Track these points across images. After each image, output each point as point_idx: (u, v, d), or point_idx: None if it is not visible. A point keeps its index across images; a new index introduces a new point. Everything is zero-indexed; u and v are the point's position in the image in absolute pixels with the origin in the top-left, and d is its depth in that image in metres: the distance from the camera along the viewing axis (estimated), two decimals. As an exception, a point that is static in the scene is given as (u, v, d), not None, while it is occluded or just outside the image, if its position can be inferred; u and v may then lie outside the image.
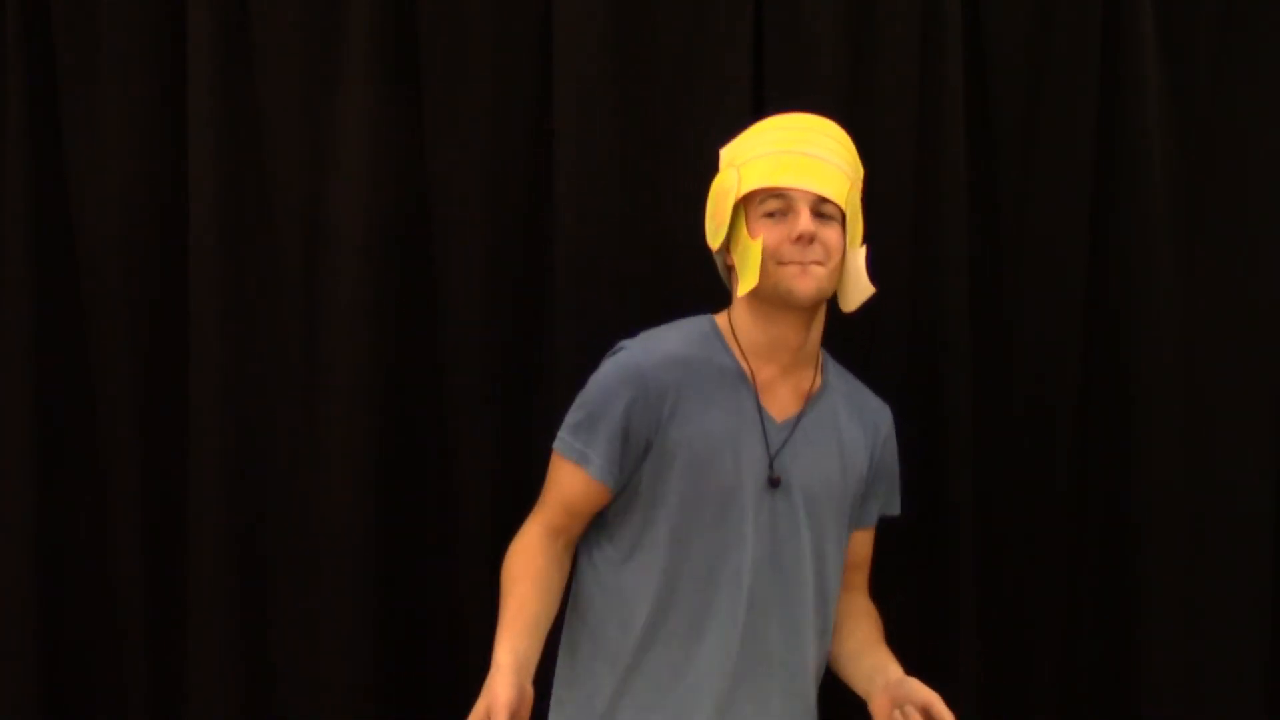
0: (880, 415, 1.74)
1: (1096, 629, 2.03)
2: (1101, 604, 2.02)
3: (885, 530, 1.96)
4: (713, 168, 1.91)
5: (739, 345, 1.62)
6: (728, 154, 1.65)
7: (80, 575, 1.99)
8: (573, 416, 1.61)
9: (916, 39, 1.94)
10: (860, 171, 1.66)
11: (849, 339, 1.95)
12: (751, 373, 1.61)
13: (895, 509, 1.79)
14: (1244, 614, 2.02)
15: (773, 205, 1.56)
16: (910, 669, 1.96)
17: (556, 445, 1.62)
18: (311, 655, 1.93)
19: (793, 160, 1.56)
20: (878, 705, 1.54)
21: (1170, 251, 2.00)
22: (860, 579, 1.77)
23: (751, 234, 1.56)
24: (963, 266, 1.94)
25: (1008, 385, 2.00)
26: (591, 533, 1.65)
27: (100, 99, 1.93)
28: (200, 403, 1.91)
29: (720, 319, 1.66)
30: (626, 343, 1.63)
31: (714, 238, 1.62)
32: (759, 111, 1.93)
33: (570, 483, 1.60)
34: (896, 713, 1.50)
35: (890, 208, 1.95)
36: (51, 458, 1.96)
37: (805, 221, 1.54)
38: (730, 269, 1.64)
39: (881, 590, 1.97)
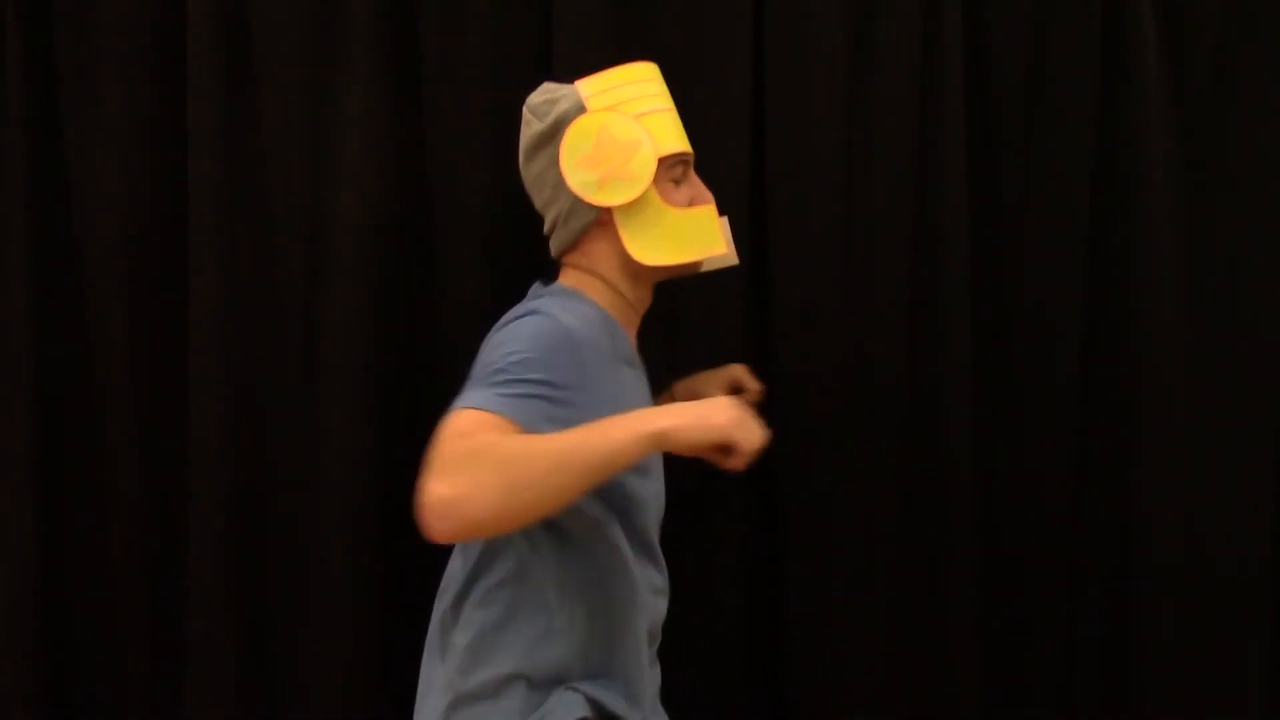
0: None
1: (1097, 632, 2.03)
2: (1102, 606, 2.02)
3: (885, 533, 1.97)
4: (714, 167, 1.91)
5: (616, 316, 1.52)
6: (602, 95, 1.50)
7: (80, 575, 1.99)
8: (497, 376, 1.32)
9: (917, 39, 1.94)
10: None
11: (849, 338, 1.95)
12: (633, 343, 1.55)
13: None
14: (1245, 615, 2.02)
15: (679, 171, 1.52)
16: (909, 670, 1.98)
17: (479, 403, 1.28)
18: (311, 655, 1.93)
19: (676, 119, 1.53)
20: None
21: (1171, 252, 2.00)
22: None
23: (664, 198, 1.49)
24: (963, 266, 1.94)
25: (1008, 386, 2.00)
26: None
27: (100, 99, 1.93)
28: (200, 403, 1.91)
29: (586, 288, 1.52)
30: (535, 305, 1.43)
31: (626, 192, 1.46)
32: (759, 111, 1.94)
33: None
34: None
35: (890, 207, 1.95)
36: (51, 457, 1.96)
37: (707, 191, 1.53)
38: (601, 226, 1.50)
39: (881, 593, 1.97)
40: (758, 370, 1.94)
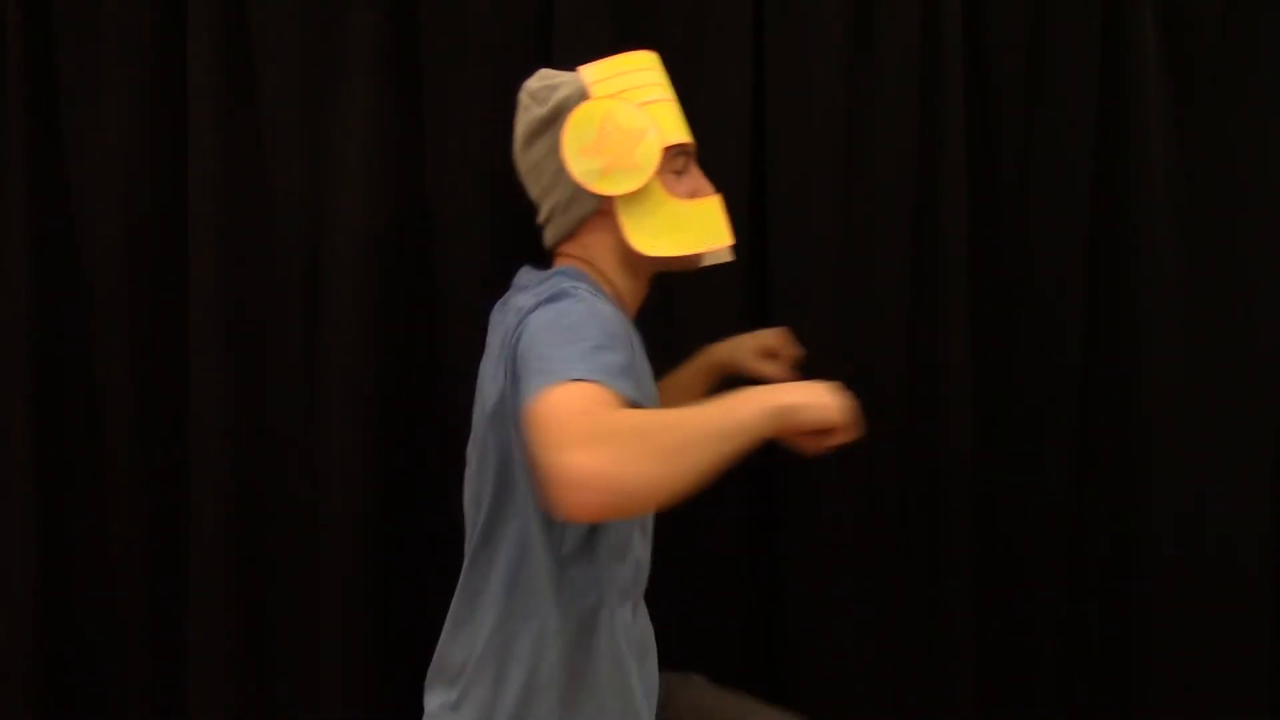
0: None
1: (1097, 632, 2.03)
2: (1102, 605, 2.02)
3: (885, 532, 1.97)
4: (714, 166, 1.91)
5: (622, 303, 1.49)
6: (605, 83, 1.47)
7: (80, 575, 1.99)
8: (576, 348, 1.24)
9: (916, 39, 1.94)
10: None
11: (848, 336, 1.95)
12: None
13: None
14: (1245, 614, 2.02)
15: (680, 163, 1.49)
16: (909, 670, 1.98)
17: (581, 373, 1.20)
18: (311, 655, 1.93)
19: (678, 109, 1.50)
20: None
21: (1171, 251, 2.00)
22: None
23: (667, 189, 1.46)
24: (962, 266, 1.94)
25: (1008, 386, 2.00)
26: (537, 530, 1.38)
27: (100, 99, 1.93)
28: (201, 403, 1.91)
29: (591, 274, 1.48)
30: (564, 288, 1.36)
31: (630, 182, 1.43)
32: (759, 111, 1.94)
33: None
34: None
35: (890, 207, 1.95)
36: (51, 457, 1.96)
37: (708, 183, 1.51)
38: (601, 216, 1.47)
39: (880, 593, 1.97)
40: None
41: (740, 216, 1.93)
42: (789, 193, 1.93)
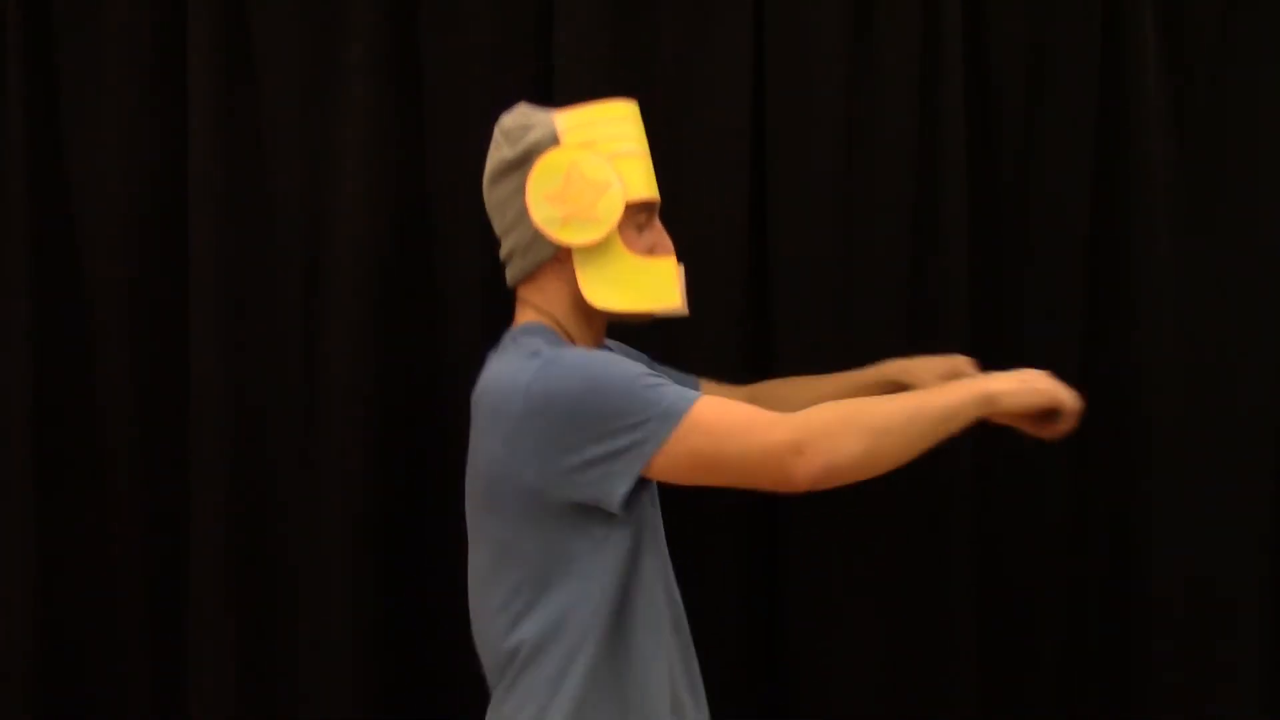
0: None
1: (1097, 633, 2.02)
2: (1102, 607, 2.02)
3: (885, 533, 1.97)
4: (715, 166, 1.92)
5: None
6: (577, 131, 1.47)
7: (80, 576, 1.99)
8: (648, 379, 1.35)
9: (916, 39, 1.94)
10: None
11: (848, 338, 1.95)
12: None
13: None
14: (1245, 616, 2.02)
15: (643, 218, 1.49)
16: (909, 672, 1.98)
17: (693, 396, 1.33)
18: (311, 655, 1.93)
19: (649, 164, 1.50)
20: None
21: (1171, 252, 2.00)
22: None
23: (626, 244, 1.46)
24: (962, 267, 1.94)
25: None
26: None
27: (100, 99, 1.93)
28: (201, 404, 1.91)
29: (553, 327, 1.49)
30: (545, 356, 1.39)
31: (589, 233, 1.44)
32: (759, 111, 1.94)
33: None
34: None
35: (890, 208, 1.95)
36: (51, 458, 1.96)
37: (668, 240, 1.51)
38: (558, 263, 1.48)
39: (881, 595, 1.97)
40: (756, 371, 1.95)
41: (740, 216, 1.93)
42: (789, 193, 1.93)
